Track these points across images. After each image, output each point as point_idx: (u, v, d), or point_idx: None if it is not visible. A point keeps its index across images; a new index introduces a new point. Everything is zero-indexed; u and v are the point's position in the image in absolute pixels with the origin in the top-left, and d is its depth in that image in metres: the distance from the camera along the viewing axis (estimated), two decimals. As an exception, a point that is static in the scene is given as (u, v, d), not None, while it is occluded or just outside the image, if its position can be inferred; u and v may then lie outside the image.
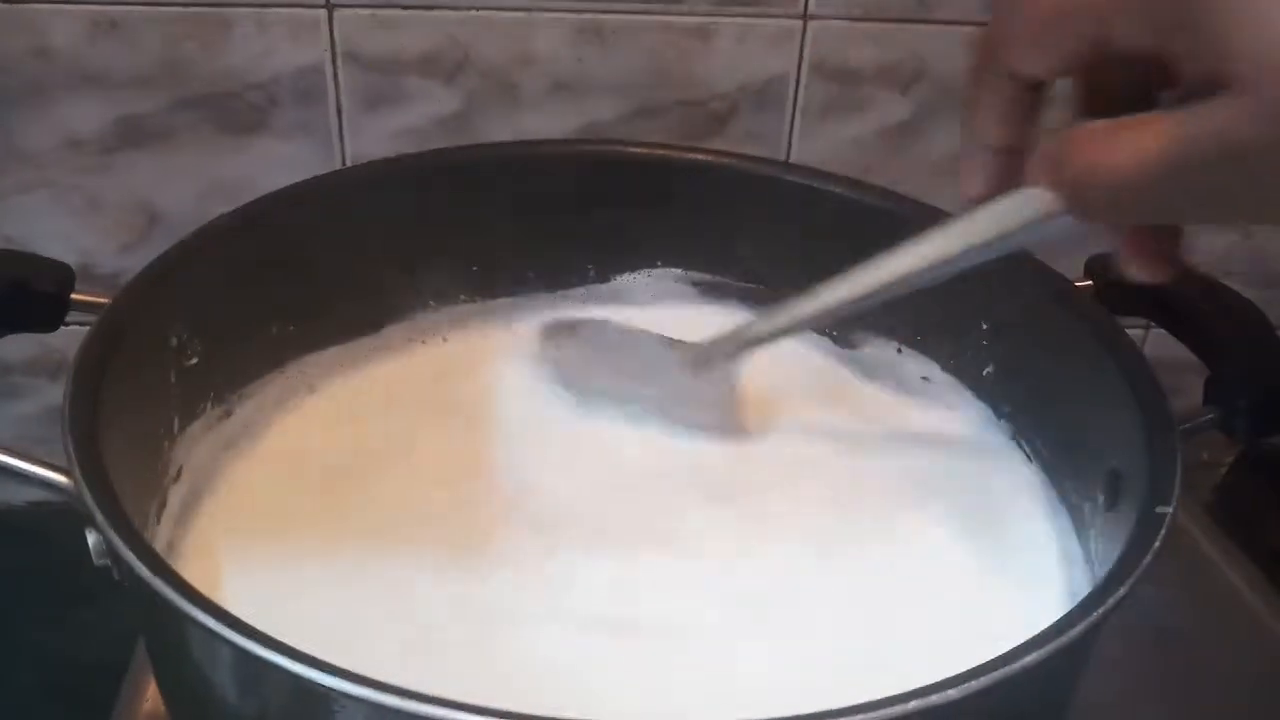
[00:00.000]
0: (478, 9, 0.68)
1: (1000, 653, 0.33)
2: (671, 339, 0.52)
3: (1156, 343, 0.55)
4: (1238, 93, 0.28)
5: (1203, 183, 0.29)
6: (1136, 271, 0.36)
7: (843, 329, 0.56)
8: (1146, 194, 0.30)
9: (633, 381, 0.52)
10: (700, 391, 0.51)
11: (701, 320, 0.58)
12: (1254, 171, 0.28)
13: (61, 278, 0.48)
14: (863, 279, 0.43)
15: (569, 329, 0.54)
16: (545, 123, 0.71)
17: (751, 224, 0.56)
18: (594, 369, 0.53)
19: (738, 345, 0.49)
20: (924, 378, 0.55)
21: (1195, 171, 0.29)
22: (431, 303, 0.56)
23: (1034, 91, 0.35)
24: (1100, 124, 0.31)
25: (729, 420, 0.51)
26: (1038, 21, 0.33)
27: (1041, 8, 0.33)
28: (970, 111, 0.36)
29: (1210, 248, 0.77)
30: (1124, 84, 0.33)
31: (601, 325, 0.54)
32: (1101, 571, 0.39)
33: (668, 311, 0.58)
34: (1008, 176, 0.37)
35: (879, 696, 0.31)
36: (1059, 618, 0.34)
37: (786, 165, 0.65)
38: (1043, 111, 0.36)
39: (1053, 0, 0.32)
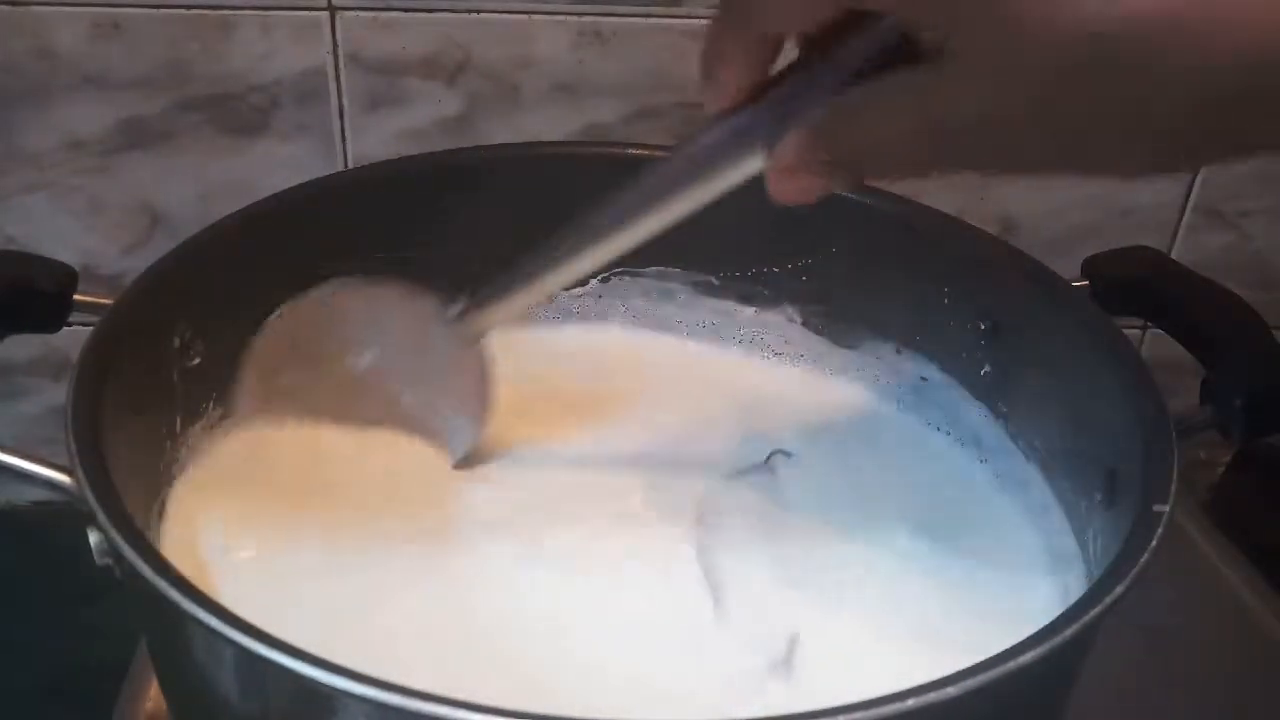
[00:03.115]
0: (479, 11, 0.68)
1: (997, 651, 0.33)
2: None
3: (1153, 343, 0.55)
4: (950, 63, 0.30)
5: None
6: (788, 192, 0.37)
7: (841, 329, 0.56)
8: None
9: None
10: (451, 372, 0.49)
11: (702, 320, 0.58)
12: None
13: (64, 278, 0.48)
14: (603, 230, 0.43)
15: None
16: (546, 124, 0.71)
17: (750, 225, 0.56)
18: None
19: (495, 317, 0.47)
20: (922, 378, 0.55)
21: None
22: (432, 303, 0.56)
23: (774, 46, 0.36)
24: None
25: (479, 408, 0.49)
26: None
27: None
28: (709, 64, 0.36)
29: (1207, 248, 0.78)
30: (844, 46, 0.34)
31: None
32: (1098, 570, 0.39)
33: (667, 312, 0.58)
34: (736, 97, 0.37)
35: (877, 695, 0.31)
36: (1056, 616, 0.35)
37: (786, 166, 0.65)
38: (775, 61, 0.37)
39: None
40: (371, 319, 0.50)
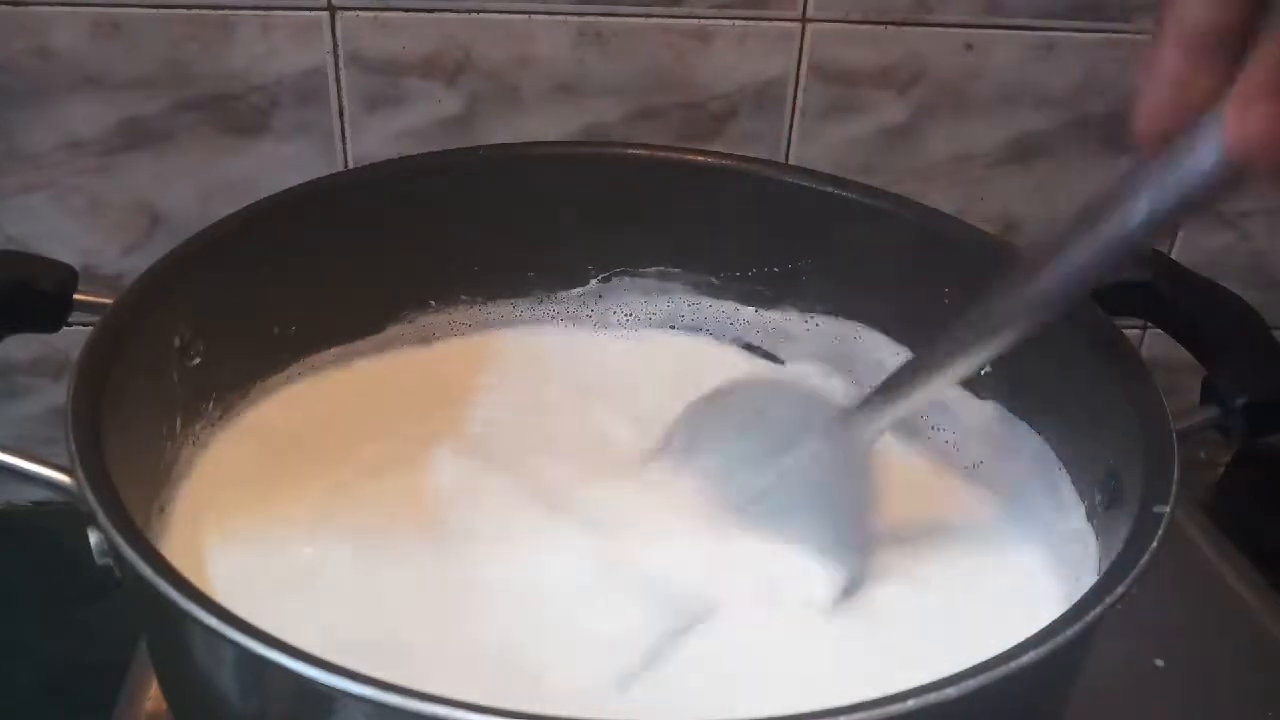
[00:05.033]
0: (479, 11, 0.68)
1: (998, 652, 0.33)
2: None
3: (1154, 343, 0.55)
4: None
5: None
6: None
7: (841, 329, 0.56)
8: None
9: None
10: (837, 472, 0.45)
11: (702, 320, 0.58)
12: None
13: (64, 278, 0.48)
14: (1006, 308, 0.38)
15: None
16: (546, 124, 0.71)
17: (751, 225, 0.56)
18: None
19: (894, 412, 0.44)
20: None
21: None
22: (432, 303, 0.57)
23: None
24: None
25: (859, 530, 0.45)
26: None
27: None
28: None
29: (1207, 248, 0.78)
30: None
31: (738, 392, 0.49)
32: (1099, 571, 0.39)
33: (667, 311, 0.58)
34: (1190, 92, 0.29)
35: (876, 695, 0.31)
36: (1057, 617, 0.35)
37: (786, 167, 0.65)
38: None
39: None
40: (758, 411, 0.48)
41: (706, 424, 0.49)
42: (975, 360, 0.41)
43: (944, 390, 0.44)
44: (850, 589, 0.44)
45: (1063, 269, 0.37)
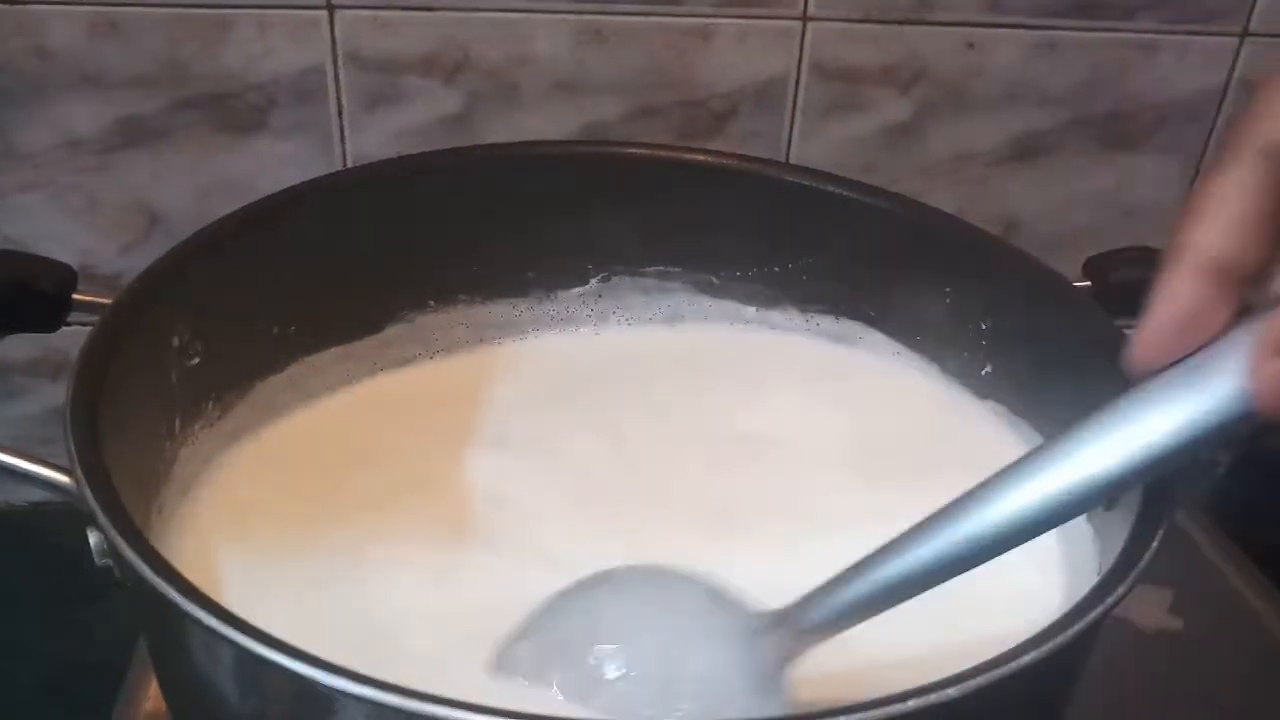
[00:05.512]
0: (478, 10, 0.68)
1: (999, 652, 0.33)
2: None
3: (1155, 343, 0.55)
4: None
5: None
6: None
7: (841, 329, 0.56)
8: None
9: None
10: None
11: (701, 320, 0.58)
12: None
13: (62, 278, 0.48)
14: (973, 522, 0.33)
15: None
16: (545, 123, 0.71)
17: (751, 225, 0.56)
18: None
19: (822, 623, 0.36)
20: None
21: None
22: (432, 303, 0.56)
23: None
24: None
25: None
26: None
27: None
28: (1195, 211, 0.28)
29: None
30: None
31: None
32: (1100, 570, 0.39)
33: (667, 312, 0.58)
34: (1202, 324, 0.28)
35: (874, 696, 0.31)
36: (1058, 617, 0.34)
37: (786, 166, 0.65)
38: None
39: None
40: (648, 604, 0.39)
41: (574, 620, 0.39)
42: (928, 575, 0.35)
43: (883, 606, 0.36)
44: None
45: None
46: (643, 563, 0.41)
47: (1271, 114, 0.27)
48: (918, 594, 0.35)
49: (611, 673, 0.37)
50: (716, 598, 0.39)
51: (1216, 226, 0.28)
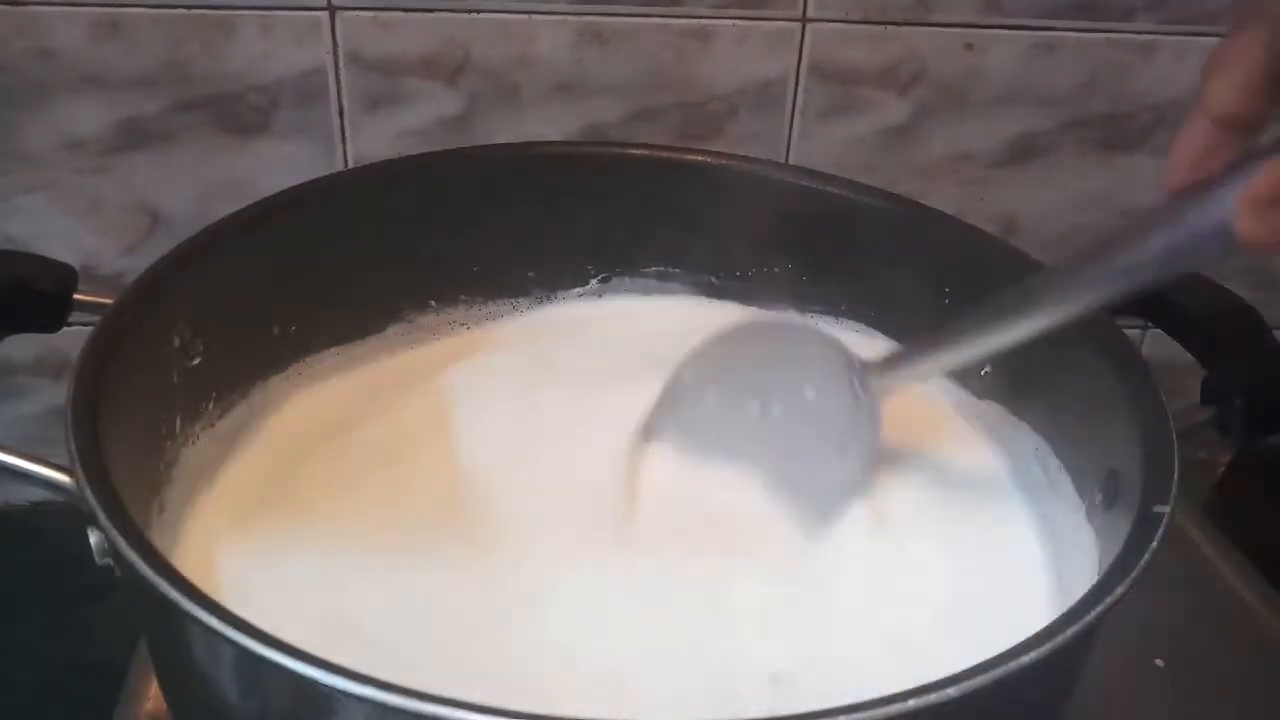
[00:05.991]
0: (479, 11, 0.68)
1: (998, 652, 0.33)
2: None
3: (1154, 343, 0.55)
4: None
5: None
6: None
7: (841, 329, 0.56)
8: None
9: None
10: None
11: (701, 320, 0.58)
12: None
13: (64, 278, 0.48)
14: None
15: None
16: (546, 124, 0.71)
17: (750, 225, 0.56)
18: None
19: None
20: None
21: None
22: (432, 304, 0.57)
23: None
24: None
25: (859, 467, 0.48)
26: None
27: None
28: (1208, 70, 0.34)
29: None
30: None
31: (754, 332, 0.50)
32: (1099, 571, 0.39)
33: (667, 312, 0.58)
34: (1210, 161, 0.35)
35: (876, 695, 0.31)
36: (1057, 617, 0.35)
37: (785, 166, 0.65)
38: None
39: None
40: (770, 355, 0.49)
41: (721, 358, 0.49)
42: (989, 344, 0.44)
43: (955, 361, 0.46)
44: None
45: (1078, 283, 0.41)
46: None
47: None
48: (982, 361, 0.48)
49: (755, 414, 0.48)
50: (829, 343, 0.48)
51: (1224, 84, 0.34)
